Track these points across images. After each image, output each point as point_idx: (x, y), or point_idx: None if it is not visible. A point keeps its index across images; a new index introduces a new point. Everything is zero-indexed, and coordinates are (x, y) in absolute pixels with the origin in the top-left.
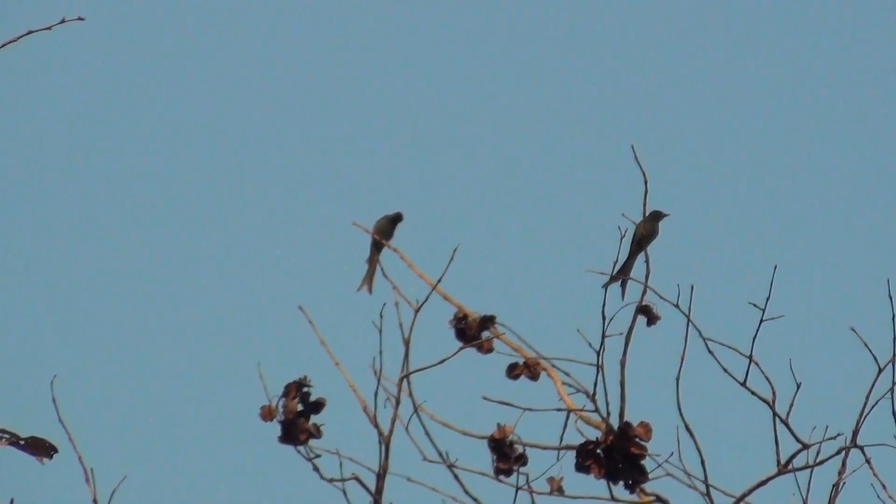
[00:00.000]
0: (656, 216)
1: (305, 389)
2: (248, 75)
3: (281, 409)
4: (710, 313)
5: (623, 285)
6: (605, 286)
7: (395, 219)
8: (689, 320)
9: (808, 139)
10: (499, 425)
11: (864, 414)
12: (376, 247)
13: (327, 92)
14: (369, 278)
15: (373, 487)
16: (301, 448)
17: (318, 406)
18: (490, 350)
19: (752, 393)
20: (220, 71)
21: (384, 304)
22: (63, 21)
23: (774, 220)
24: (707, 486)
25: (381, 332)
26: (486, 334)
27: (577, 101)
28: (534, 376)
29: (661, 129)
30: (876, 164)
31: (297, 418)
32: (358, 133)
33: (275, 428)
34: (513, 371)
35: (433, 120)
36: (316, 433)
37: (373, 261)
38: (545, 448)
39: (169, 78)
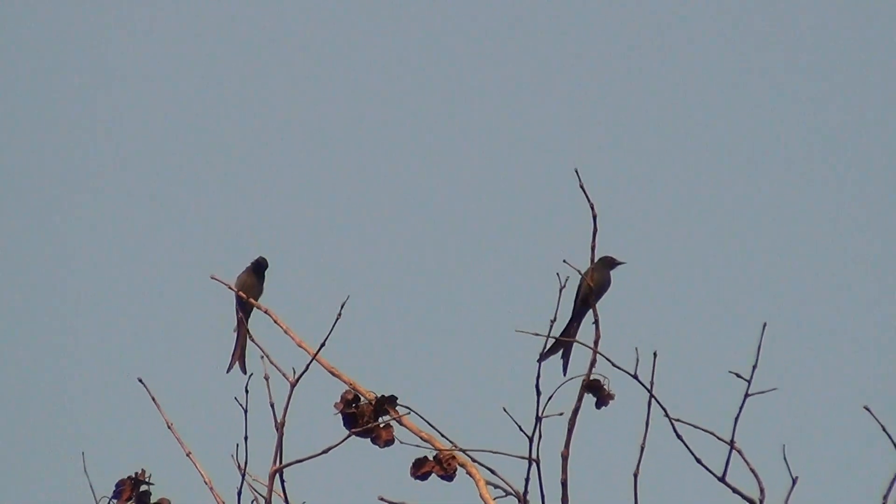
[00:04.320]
0: (608, 264)
1: (144, 488)
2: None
3: None
4: (678, 387)
5: (566, 356)
6: (542, 359)
7: (259, 267)
8: (651, 396)
9: (793, 169)
10: None
11: None
12: (241, 308)
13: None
14: (240, 352)
15: None
16: None
17: None
18: (390, 441)
19: (734, 491)
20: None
21: (250, 376)
22: None
23: (764, 266)
24: None
25: (246, 412)
26: (384, 420)
27: (499, 122)
28: (448, 474)
29: (611, 160)
30: (875, 208)
31: None
32: (215, 173)
33: None
34: (420, 468)
35: (311, 144)
36: None
37: (242, 328)
38: None
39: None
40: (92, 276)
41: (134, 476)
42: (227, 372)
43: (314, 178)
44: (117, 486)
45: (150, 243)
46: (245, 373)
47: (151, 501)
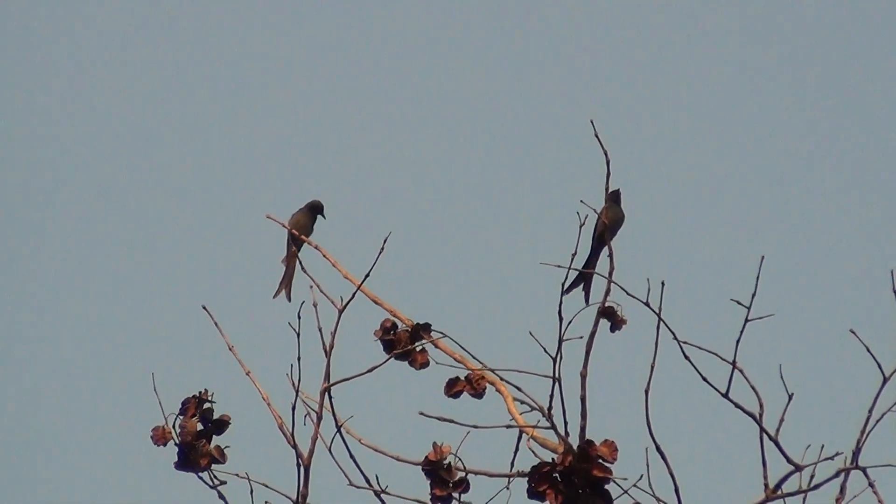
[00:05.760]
0: (618, 197)
1: (207, 405)
2: (149, 65)
3: (178, 430)
4: (685, 313)
5: (587, 288)
6: (567, 291)
7: (314, 209)
8: (660, 321)
9: (798, 117)
10: (435, 445)
11: (867, 430)
12: (294, 243)
13: (237, 80)
14: (287, 282)
15: None
16: (203, 475)
17: (221, 425)
18: (425, 364)
19: (736, 405)
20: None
21: (302, 304)
22: None
23: (761, 203)
24: None
25: (298, 336)
26: (419, 344)
27: (522, 81)
28: (478, 393)
29: (625, 108)
30: (872, 145)
31: (197, 440)
32: (270, 121)
33: (171, 452)
34: (453, 387)
35: (355, 101)
36: (219, 457)
37: (291, 260)
38: (492, 475)
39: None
40: (168, 217)
41: (198, 395)
42: (274, 298)
43: (360, 133)
44: (183, 403)
45: (214, 189)
46: (290, 300)
47: (213, 417)
